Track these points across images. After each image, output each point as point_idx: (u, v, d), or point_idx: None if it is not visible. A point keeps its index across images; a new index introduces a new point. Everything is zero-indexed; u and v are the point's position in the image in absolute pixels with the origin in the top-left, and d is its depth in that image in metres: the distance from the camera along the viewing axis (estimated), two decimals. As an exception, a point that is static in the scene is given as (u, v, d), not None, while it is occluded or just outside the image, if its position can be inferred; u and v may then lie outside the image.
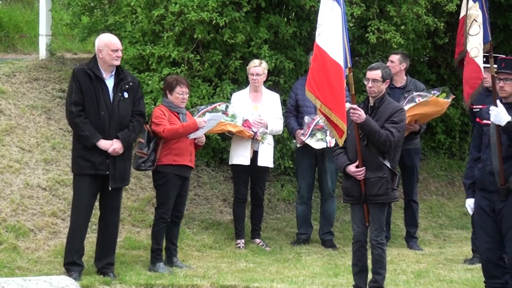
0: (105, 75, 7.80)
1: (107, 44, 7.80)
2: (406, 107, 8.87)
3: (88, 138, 7.68)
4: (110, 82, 7.82)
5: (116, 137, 7.74)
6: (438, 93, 9.55)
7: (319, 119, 9.11)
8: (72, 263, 7.74)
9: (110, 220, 7.96)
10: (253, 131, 9.27)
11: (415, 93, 9.47)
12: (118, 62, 7.82)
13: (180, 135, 8.30)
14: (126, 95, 7.83)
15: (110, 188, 7.78)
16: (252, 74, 9.39)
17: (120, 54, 7.85)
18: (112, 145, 7.71)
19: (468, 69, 8.52)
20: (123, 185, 7.99)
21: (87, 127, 7.68)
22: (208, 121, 8.51)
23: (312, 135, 9.40)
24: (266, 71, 9.50)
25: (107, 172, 7.74)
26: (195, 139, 8.49)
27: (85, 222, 7.85)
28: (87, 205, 7.81)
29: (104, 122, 7.72)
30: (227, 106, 9.27)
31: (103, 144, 7.70)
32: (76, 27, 11.53)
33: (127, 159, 7.93)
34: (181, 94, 8.44)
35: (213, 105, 9.28)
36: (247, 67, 9.52)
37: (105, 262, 7.89)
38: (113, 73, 7.84)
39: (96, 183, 7.80)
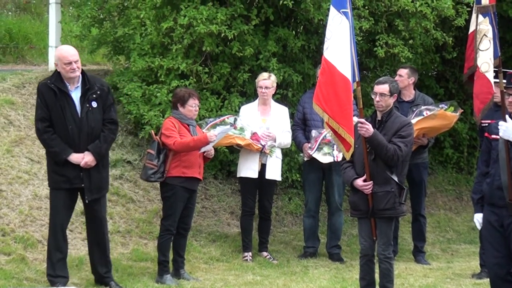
0: (70, 87, 7.60)
1: (60, 58, 7.59)
2: (413, 121, 8.86)
3: (58, 154, 7.56)
4: (76, 94, 7.61)
5: (87, 149, 7.62)
6: (446, 107, 9.55)
7: (326, 133, 9.12)
8: (53, 276, 7.66)
9: (98, 230, 7.87)
10: (261, 144, 9.28)
11: (423, 107, 9.47)
12: (74, 75, 7.56)
13: (191, 148, 8.31)
14: (94, 104, 7.62)
15: (87, 201, 7.72)
16: (261, 87, 9.41)
17: (74, 66, 7.53)
18: (84, 158, 7.58)
19: (479, 84, 8.52)
20: (100, 195, 7.79)
21: (56, 143, 7.56)
22: (219, 134, 8.54)
23: (319, 149, 9.40)
24: (275, 84, 9.52)
25: (82, 185, 7.64)
26: (203, 152, 8.50)
27: (63, 236, 7.76)
28: (63, 218, 7.74)
29: (73, 135, 7.57)
30: (235, 119, 9.28)
31: (74, 158, 7.56)
32: (85, 39, 11.58)
33: (102, 169, 7.75)
34: (193, 107, 8.46)
35: (222, 118, 9.29)
36: (256, 80, 9.55)
37: (103, 271, 7.85)
38: (79, 83, 7.63)
39: (73, 196, 7.75)
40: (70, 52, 7.64)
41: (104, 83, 7.93)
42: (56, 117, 7.56)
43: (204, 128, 8.99)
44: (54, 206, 7.76)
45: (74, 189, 7.70)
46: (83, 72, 7.68)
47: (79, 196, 7.85)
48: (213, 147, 8.64)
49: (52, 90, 7.57)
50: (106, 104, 7.73)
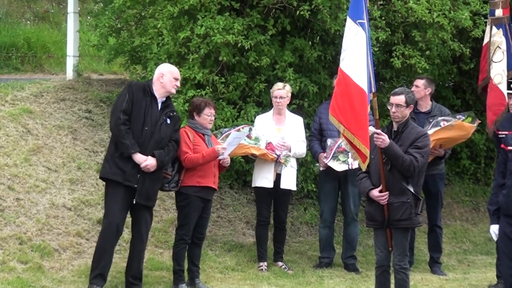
0: (158, 98, 8.03)
1: (172, 72, 8.10)
2: (430, 131, 8.83)
3: (127, 147, 7.79)
4: (159, 105, 8.03)
5: (152, 155, 7.85)
6: (463, 117, 9.51)
7: (341, 142, 9.12)
8: (96, 276, 7.77)
9: (141, 234, 8.02)
10: (276, 154, 9.29)
11: (440, 118, 9.44)
12: (174, 91, 8.15)
13: (200, 164, 8.35)
14: (168, 121, 8.02)
15: (134, 202, 7.83)
16: (276, 97, 9.43)
17: (178, 84, 8.15)
18: (146, 161, 7.80)
19: (492, 95, 8.53)
20: (146, 203, 7.96)
21: (129, 136, 7.80)
22: (233, 139, 8.59)
23: (334, 157, 9.40)
24: (289, 94, 9.53)
25: (135, 186, 7.82)
26: (219, 160, 8.53)
27: (117, 234, 7.89)
28: (119, 212, 7.83)
29: (145, 137, 7.86)
30: (250, 129, 9.31)
31: (138, 157, 7.81)
32: (103, 48, 11.65)
33: (156, 180, 7.99)
34: (209, 116, 8.51)
35: (237, 128, 9.32)
36: (271, 90, 9.56)
37: (130, 275, 7.96)
38: (164, 99, 8.06)
39: (126, 194, 7.84)
40: (178, 71, 8.28)
41: (175, 110, 8.31)
42: (137, 115, 7.86)
43: (219, 138, 9.02)
44: (110, 200, 7.87)
45: (128, 188, 7.79)
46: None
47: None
48: (229, 156, 8.67)
49: (143, 90, 7.93)
50: (176, 126, 8.13)
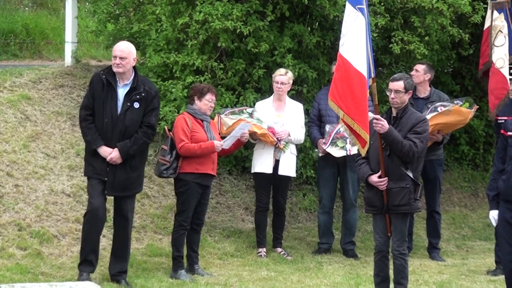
0: (119, 82, 7.71)
1: (112, 51, 7.81)
2: (428, 116, 8.82)
3: (89, 143, 7.73)
4: (123, 90, 7.70)
5: (116, 146, 7.69)
6: (461, 103, 9.50)
7: (340, 127, 9.13)
8: (84, 261, 7.73)
9: (119, 228, 7.90)
10: (276, 139, 9.29)
11: (437, 103, 9.44)
12: (117, 70, 7.64)
13: (196, 155, 8.33)
14: (136, 105, 7.68)
15: (106, 196, 7.77)
16: (277, 83, 9.42)
17: (119, 61, 7.62)
18: (111, 154, 7.65)
19: (494, 79, 8.51)
20: (123, 194, 7.79)
21: (90, 132, 7.69)
22: (239, 129, 8.64)
23: (333, 143, 9.41)
24: (291, 81, 9.51)
25: (106, 179, 7.71)
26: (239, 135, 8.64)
27: (97, 224, 7.77)
28: (98, 204, 7.73)
29: (106, 129, 7.66)
30: (253, 110, 9.33)
31: (103, 151, 7.66)
32: (101, 34, 11.62)
33: (130, 169, 7.76)
34: (210, 102, 8.49)
35: (241, 108, 9.36)
36: (273, 75, 9.55)
37: (116, 270, 7.86)
38: (130, 81, 7.72)
39: (102, 187, 7.78)
40: (119, 46, 7.78)
41: (153, 88, 7.94)
42: (98, 108, 7.70)
43: (222, 114, 9.03)
44: (90, 193, 7.84)
45: (101, 181, 7.76)
46: (135, 72, 7.78)
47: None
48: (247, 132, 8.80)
49: (101, 81, 7.69)
50: (148, 108, 7.75)
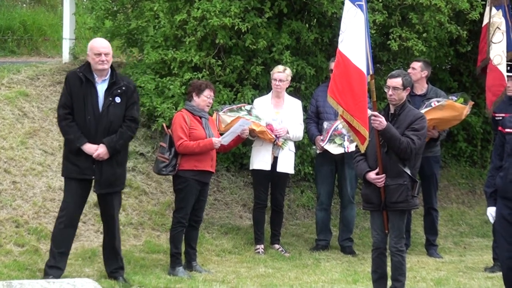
0: (97, 79, 7.62)
1: (91, 48, 7.65)
2: (422, 111, 8.81)
3: (72, 142, 7.57)
4: (102, 86, 7.62)
5: (103, 142, 7.58)
6: (455, 98, 9.48)
7: (338, 125, 9.13)
8: (52, 267, 7.59)
9: (108, 226, 7.85)
10: (274, 136, 9.28)
11: (432, 99, 9.41)
12: (102, 67, 7.58)
13: (195, 153, 8.33)
14: (118, 100, 7.62)
15: (96, 193, 7.73)
16: (275, 80, 9.41)
17: (104, 58, 7.57)
18: (97, 150, 7.56)
19: (491, 76, 8.51)
20: (111, 191, 7.72)
21: (72, 130, 7.57)
22: (238, 126, 8.63)
23: (330, 140, 9.41)
24: (289, 78, 9.51)
25: (93, 177, 7.64)
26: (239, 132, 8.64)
27: (71, 227, 7.70)
28: (74, 208, 7.68)
29: (90, 127, 7.56)
30: (251, 108, 9.32)
31: (88, 148, 7.54)
32: (99, 31, 11.59)
33: (116, 164, 7.71)
34: (208, 98, 8.47)
35: (239, 105, 9.35)
36: (271, 72, 9.55)
37: (113, 267, 7.82)
38: (107, 77, 7.65)
39: (85, 187, 7.71)
40: (102, 44, 7.71)
41: (131, 82, 7.96)
42: (78, 106, 7.59)
43: (220, 111, 9.02)
44: (66, 196, 7.75)
45: (86, 181, 7.70)
46: (112, 68, 7.72)
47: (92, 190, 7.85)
48: (248, 128, 8.82)
49: (79, 79, 7.61)
50: (130, 102, 7.72)
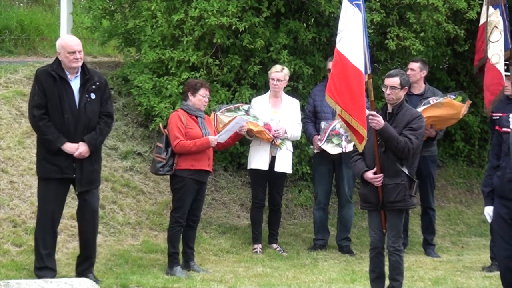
0: (69, 76, 7.52)
1: (64, 46, 7.52)
2: (420, 109, 8.80)
3: (51, 142, 7.45)
4: (75, 83, 7.54)
5: (83, 140, 7.50)
6: (453, 97, 9.49)
7: (335, 124, 9.13)
8: (42, 268, 7.58)
9: (89, 223, 7.75)
10: (272, 135, 9.28)
11: (431, 98, 9.41)
12: (77, 64, 7.50)
13: (192, 152, 8.32)
14: (93, 96, 7.55)
15: (76, 192, 7.67)
16: (273, 79, 9.41)
17: (78, 56, 7.49)
18: (78, 149, 7.49)
19: (489, 75, 8.50)
20: (91, 187, 7.67)
21: (50, 130, 7.44)
22: (235, 124, 8.65)
23: (328, 140, 9.41)
24: (287, 78, 9.50)
25: (74, 176, 7.54)
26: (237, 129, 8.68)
27: (52, 228, 7.65)
28: (54, 208, 7.62)
29: (68, 125, 7.47)
30: (249, 107, 9.32)
31: (68, 147, 7.46)
32: (96, 30, 11.60)
33: (95, 161, 7.66)
34: (204, 97, 8.47)
35: (237, 105, 9.34)
36: (269, 72, 9.54)
37: (85, 266, 7.72)
38: (79, 73, 7.55)
39: (64, 186, 7.65)
40: (74, 41, 7.63)
41: (102, 76, 7.87)
42: (53, 105, 7.47)
43: (218, 111, 9.01)
44: (44, 197, 7.62)
45: (65, 180, 7.60)
46: (83, 63, 7.62)
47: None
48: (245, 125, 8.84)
49: (51, 77, 7.49)
50: (104, 97, 7.66)
